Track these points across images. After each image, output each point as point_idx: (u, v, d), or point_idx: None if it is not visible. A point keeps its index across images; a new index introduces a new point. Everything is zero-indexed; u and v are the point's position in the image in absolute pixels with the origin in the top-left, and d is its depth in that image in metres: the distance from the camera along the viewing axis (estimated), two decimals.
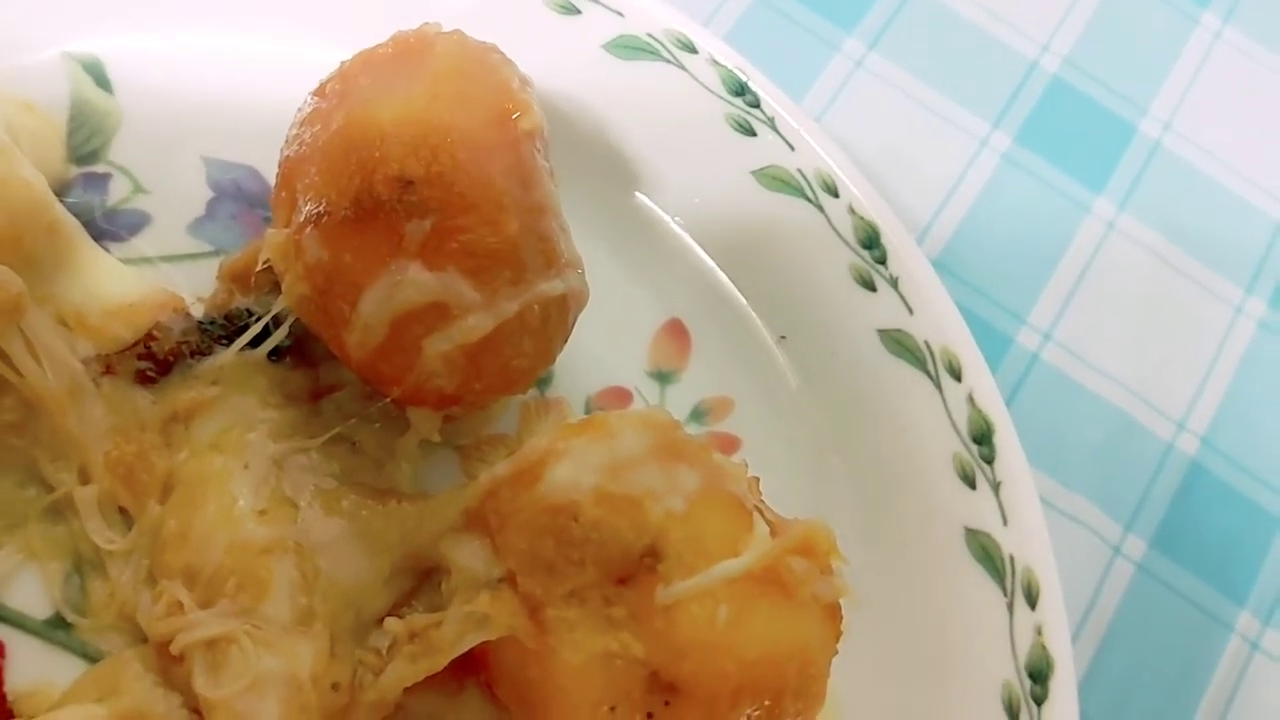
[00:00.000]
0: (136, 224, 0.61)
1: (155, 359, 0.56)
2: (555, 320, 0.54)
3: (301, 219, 0.52)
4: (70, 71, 0.63)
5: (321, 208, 0.51)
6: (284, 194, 0.54)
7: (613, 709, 0.46)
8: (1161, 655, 0.64)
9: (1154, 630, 0.65)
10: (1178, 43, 0.79)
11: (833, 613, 0.48)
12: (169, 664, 0.51)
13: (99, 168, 0.62)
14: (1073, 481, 0.66)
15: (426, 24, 0.56)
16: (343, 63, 0.55)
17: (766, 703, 0.45)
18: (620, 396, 0.62)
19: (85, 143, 0.62)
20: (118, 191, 0.61)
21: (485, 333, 0.50)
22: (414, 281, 0.50)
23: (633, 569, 0.47)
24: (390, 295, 0.50)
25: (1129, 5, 0.78)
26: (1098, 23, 0.78)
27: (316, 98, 0.55)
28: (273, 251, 0.53)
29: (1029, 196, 0.72)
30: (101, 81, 0.63)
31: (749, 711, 0.45)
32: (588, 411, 0.61)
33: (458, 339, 0.50)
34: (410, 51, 0.54)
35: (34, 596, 0.54)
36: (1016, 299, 0.70)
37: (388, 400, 0.56)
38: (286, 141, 0.55)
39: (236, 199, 0.62)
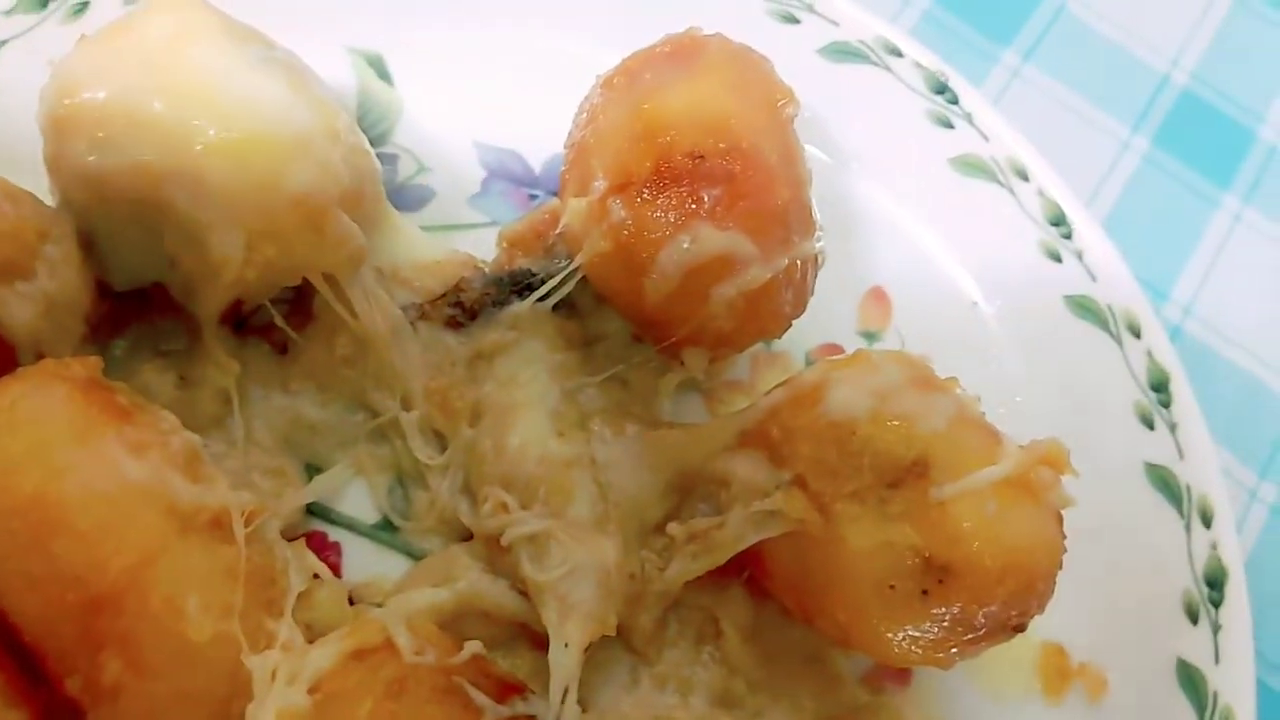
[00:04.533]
0: (424, 198, 0.71)
1: (464, 307, 0.65)
2: (811, 276, 0.63)
3: (604, 188, 0.61)
4: (356, 65, 0.73)
5: (625, 179, 0.61)
6: (576, 171, 0.64)
7: (893, 587, 0.55)
8: None
9: None
10: None
11: (1060, 518, 0.58)
12: (496, 555, 0.60)
13: (387, 149, 0.72)
14: (1213, 434, 0.76)
15: (691, 28, 0.66)
16: (624, 60, 0.65)
17: (1024, 582, 0.54)
18: (834, 352, 0.71)
19: (373, 127, 0.72)
20: (405, 170, 0.71)
21: (763, 282, 0.60)
22: (708, 238, 0.59)
23: (902, 475, 0.56)
24: (687, 249, 0.59)
25: (1245, 28, 0.89)
26: (1219, 42, 0.88)
27: (604, 90, 0.65)
28: (575, 216, 0.63)
29: (1166, 191, 0.82)
30: (383, 74, 0.73)
31: (1010, 588, 0.54)
32: (808, 363, 0.71)
33: (741, 287, 0.60)
34: (685, 51, 0.65)
35: (364, 505, 0.64)
36: (1161, 278, 0.79)
37: (651, 347, 0.66)
38: (577, 126, 0.65)
39: (506, 178, 0.72)
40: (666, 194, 0.60)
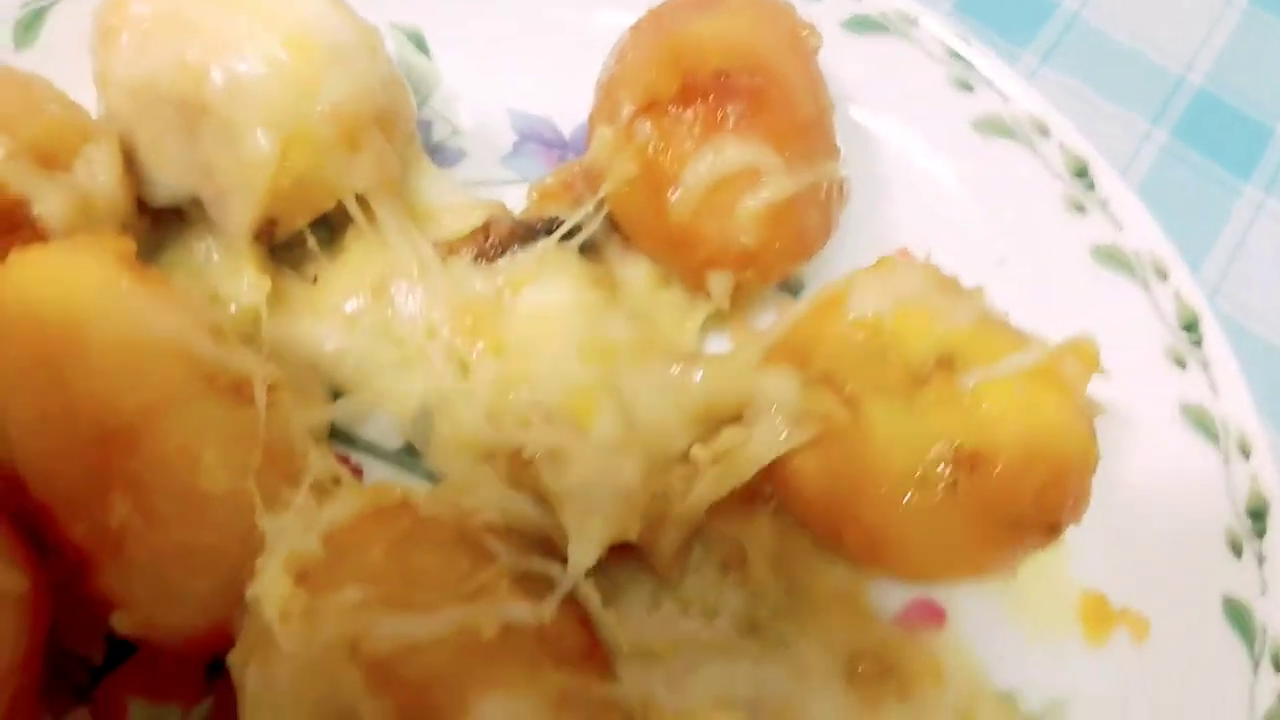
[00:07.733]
0: (456, 156, 0.73)
1: (491, 246, 0.66)
2: (835, 201, 0.64)
3: (630, 114, 0.63)
4: (396, 40, 0.76)
5: (652, 99, 0.62)
6: (605, 107, 0.66)
7: (923, 477, 0.53)
8: None
9: None
10: None
11: (1091, 421, 0.56)
12: (518, 470, 0.59)
13: (423, 115, 0.74)
14: None
15: None
16: (650, 9, 0.68)
17: (1055, 471, 0.53)
18: None
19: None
20: (439, 132, 0.73)
21: (788, 193, 0.61)
22: (733, 150, 0.60)
23: (929, 371, 0.55)
24: (712, 162, 0.60)
25: (1257, 37, 0.91)
26: (1231, 50, 0.90)
27: (633, 33, 0.67)
28: (602, 145, 0.64)
29: (1187, 181, 0.83)
30: (421, 47, 0.76)
31: (1041, 476, 0.53)
32: None
33: (766, 199, 0.61)
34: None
35: (387, 432, 0.64)
36: (1190, 260, 0.79)
37: (677, 290, 0.66)
38: (605, 70, 0.67)
39: (537, 141, 0.74)
40: (692, 109, 0.61)
